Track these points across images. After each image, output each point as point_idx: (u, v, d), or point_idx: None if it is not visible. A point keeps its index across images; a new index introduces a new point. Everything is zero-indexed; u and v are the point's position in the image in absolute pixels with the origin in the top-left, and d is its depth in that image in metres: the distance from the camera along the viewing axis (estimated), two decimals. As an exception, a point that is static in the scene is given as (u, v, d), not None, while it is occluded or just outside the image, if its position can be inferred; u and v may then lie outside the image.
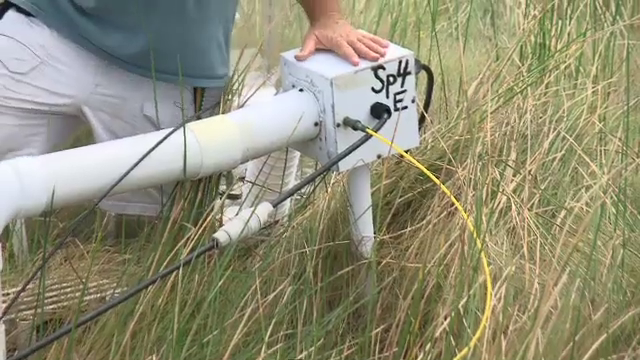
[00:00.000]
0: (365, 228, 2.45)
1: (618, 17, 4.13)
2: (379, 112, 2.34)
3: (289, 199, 2.82)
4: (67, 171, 2.12)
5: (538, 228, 2.47)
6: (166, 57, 2.42)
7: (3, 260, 2.02)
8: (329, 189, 2.66)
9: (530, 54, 3.38)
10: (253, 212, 2.16)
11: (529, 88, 3.00)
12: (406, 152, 2.41)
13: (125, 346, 2.11)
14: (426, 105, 2.56)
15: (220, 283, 2.17)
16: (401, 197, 2.61)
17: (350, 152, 2.30)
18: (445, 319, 2.11)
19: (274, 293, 2.28)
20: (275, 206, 2.23)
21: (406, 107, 2.39)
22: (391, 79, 2.37)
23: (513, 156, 2.72)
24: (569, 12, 3.61)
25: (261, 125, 2.34)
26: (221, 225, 2.33)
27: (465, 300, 2.09)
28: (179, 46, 2.45)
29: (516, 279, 2.23)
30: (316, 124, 2.36)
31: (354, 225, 2.45)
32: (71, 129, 2.55)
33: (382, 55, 2.38)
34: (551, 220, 2.57)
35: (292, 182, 2.96)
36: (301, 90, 2.39)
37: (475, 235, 2.17)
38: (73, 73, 2.46)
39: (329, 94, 2.32)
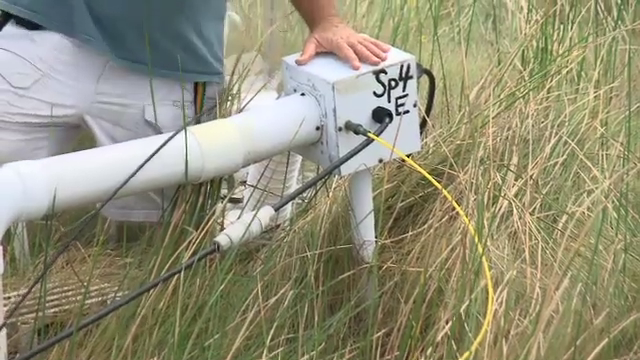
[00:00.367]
0: (366, 232, 2.45)
1: (620, 22, 4.12)
2: (381, 116, 2.34)
3: (290, 203, 2.82)
4: (69, 174, 2.12)
5: (539, 232, 2.47)
6: (158, 50, 2.43)
7: (4, 263, 2.02)
8: (330, 193, 2.66)
9: (532, 59, 3.38)
10: (255, 216, 2.16)
11: (531, 93, 3.00)
12: (408, 156, 2.41)
13: (126, 350, 2.11)
14: (428, 109, 2.56)
15: (221, 287, 2.17)
16: (402, 201, 2.61)
17: (352, 156, 2.30)
18: (446, 323, 2.12)
19: (275, 297, 2.28)
20: (277, 210, 2.23)
21: (408, 111, 2.39)
22: (393, 83, 2.37)
23: (515, 161, 2.72)
24: (571, 17, 3.60)
25: (262, 129, 2.34)
26: (222, 229, 2.33)
27: (466, 304, 2.09)
28: (166, 38, 2.45)
29: (517, 283, 2.23)
30: (318, 128, 2.36)
31: (355, 229, 2.45)
32: (72, 139, 2.55)
33: (383, 59, 2.38)
34: (552, 225, 2.57)
35: (294, 186, 2.96)
36: (303, 94, 2.39)
37: (476, 239, 2.17)
38: (74, 83, 2.46)
39: (331, 98, 2.32)
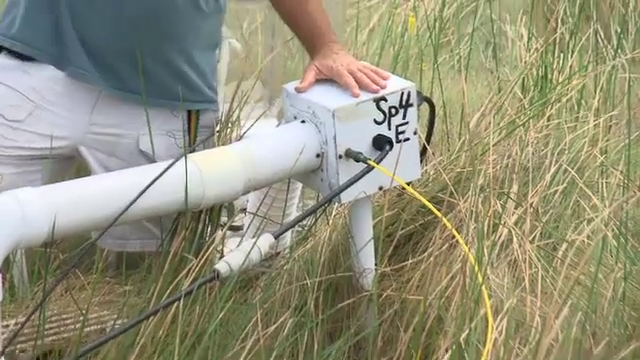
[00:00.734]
0: (366, 260, 2.45)
1: (620, 51, 4.14)
2: (381, 144, 2.34)
3: (290, 230, 2.82)
4: (68, 201, 2.12)
5: (539, 261, 2.47)
6: (151, 79, 2.43)
7: (3, 291, 2.01)
8: (330, 221, 2.66)
9: (532, 87, 3.39)
10: (254, 244, 2.16)
11: (531, 121, 3.01)
12: (408, 184, 2.41)
13: (125, 378, 2.11)
14: (428, 137, 2.57)
15: (221, 315, 2.17)
16: (402, 229, 2.61)
17: (352, 184, 2.30)
18: (446, 352, 2.11)
19: (275, 325, 2.27)
20: (276, 238, 2.22)
21: (408, 139, 2.39)
22: (393, 111, 2.38)
23: (515, 189, 2.72)
24: (571, 45, 3.62)
25: (263, 156, 2.34)
26: (222, 257, 2.32)
27: (466, 333, 2.09)
28: (158, 67, 2.46)
29: (517, 312, 2.22)
30: (318, 155, 2.36)
31: (355, 257, 2.45)
32: (65, 171, 2.55)
33: (383, 87, 2.39)
34: (552, 253, 2.57)
35: (293, 214, 2.96)
36: (303, 122, 2.39)
37: (476, 268, 2.17)
38: (68, 114, 2.46)
39: (331, 125, 2.32)
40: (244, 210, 3.05)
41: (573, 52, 3.58)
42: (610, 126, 3.35)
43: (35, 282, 2.48)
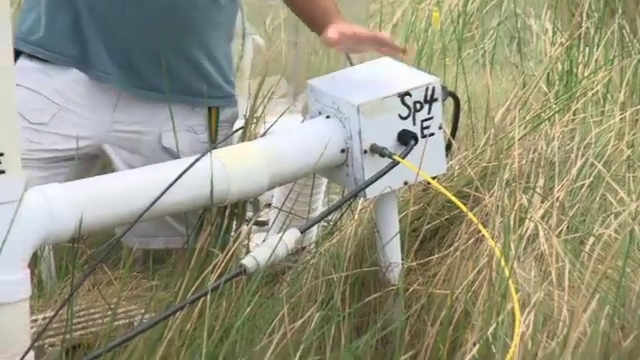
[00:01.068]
0: (392, 254, 2.45)
1: (645, 44, 4.12)
2: (406, 139, 2.34)
3: (316, 225, 2.82)
4: (94, 196, 2.13)
5: (566, 255, 2.46)
6: (172, 76, 2.44)
7: (32, 286, 2.03)
8: (356, 215, 2.66)
9: (557, 81, 3.38)
10: (280, 238, 2.17)
11: (556, 115, 3.00)
12: (433, 179, 2.41)
13: (154, 372, 2.12)
14: (453, 131, 2.56)
15: (248, 309, 2.17)
16: (428, 224, 2.61)
17: (377, 179, 2.30)
18: (474, 345, 2.11)
19: (302, 319, 2.27)
20: (302, 232, 2.23)
21: (433, 134, 2.39)
22: (418, 106, 2.37)
23: (541, 183, 2.72)
24: (596, 39, 3.60)
25: (287, 152, 2.35)
26: (248, 252, 2.33)
27: (494, 327, 2.09)
28: (179, 64, 2.47)
29: (545, 306, 2.22)
30: (343, 151, 2.36)
31: (381, 251, 2.45)
32: (90, 171, 2.54)
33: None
34: (580, 247, 2.56)
35: (319, 208, 2.96)
36: (327, 117, 2.39)
37: (503, 262, 2.16)
38: (91, 115, 2.48)
39: (356, 121, 2.32)
40: (270, 205, 3.05)
41: (598, 46, 3.57)
42: (637, 120, 3.33)
43: (63, 277, 2.50)
